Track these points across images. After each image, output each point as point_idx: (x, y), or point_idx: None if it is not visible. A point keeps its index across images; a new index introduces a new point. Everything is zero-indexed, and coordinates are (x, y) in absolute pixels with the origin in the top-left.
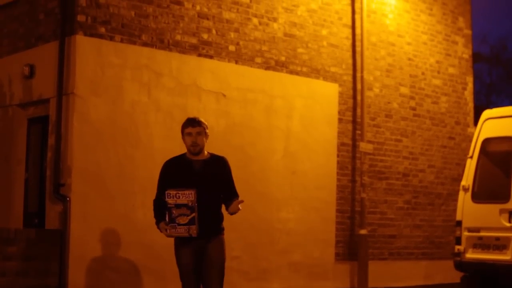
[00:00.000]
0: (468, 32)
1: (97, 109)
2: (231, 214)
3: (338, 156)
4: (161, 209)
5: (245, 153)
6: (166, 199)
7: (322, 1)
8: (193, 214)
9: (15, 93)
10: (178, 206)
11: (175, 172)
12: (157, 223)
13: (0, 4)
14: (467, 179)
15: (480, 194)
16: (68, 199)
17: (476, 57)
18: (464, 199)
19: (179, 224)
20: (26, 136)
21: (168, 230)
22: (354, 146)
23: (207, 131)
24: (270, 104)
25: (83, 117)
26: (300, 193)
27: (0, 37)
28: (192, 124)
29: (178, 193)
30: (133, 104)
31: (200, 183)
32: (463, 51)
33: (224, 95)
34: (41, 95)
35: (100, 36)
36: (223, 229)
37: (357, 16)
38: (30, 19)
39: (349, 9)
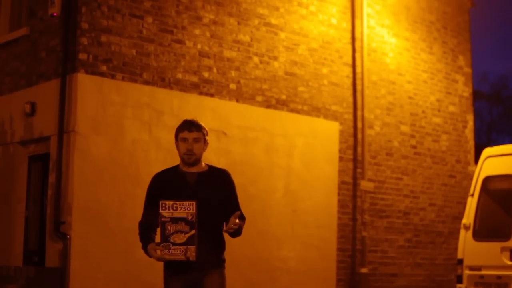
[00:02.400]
0: (468, 70)
1: (98, 147)
2: (230, 233)
3: (339, 194)
4: (148, 233)
5: (246, 191)
6: (160, 210)
7: (322, 40)
8: (193, 231)
9: (16, 131)
10: (174, 220)
11: (164, 187)
12: (144, 246)
13: (1, 42)
14: (468, 217)
15: (481, 232)
16: (68, 237)
17: (477, 95)
18: (465, 237)
19: (174, 244)
20: (26, 174)
21: (159, 251)
22: (355, 184)
23: (206, 138)
24: (271, 143)
25: (84, 155)
26: (301, 231)
27: (1, 74)
28: (189, 128)
29: (176, 204)
30: (134, 142)
31: (196, 199)
32: (464, 89)
33: (225, 133)
34: (42, 133)
35: (102, 74)
36: (224, 260)
37: (357, 55)
38: (31, 57)
39: (349, 47)
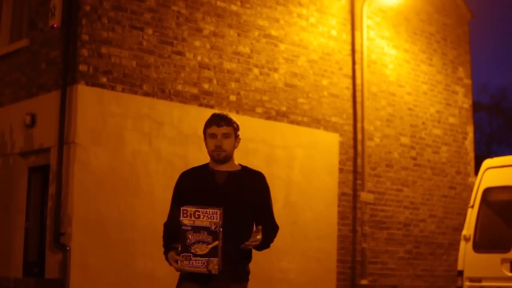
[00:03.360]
0: (468, 82)
1: (98, 158)
2: (245, 248)
3: (339, 206)
4: (173, 236)
5: None
6: (181, 218)
7: (322, 52)
8: (216, 243)
9: (16, 142)
10: (196, 229)
11: (192, 187)
12: (166, 252)
13: (2, 54)
14: (468, 228)
15: (482, 244)
16: (68, 248)
17: (477, 107)
18: (465, 249)
19: (195, 255)
20: (26, 185)
21: (179, 262)
22: (355, 196)
23: (238, 133)
24: (271, 154)
25: (84, 166)
26: (301, 243)
27: (2, 86)
28: (218, 123)
29: (198, 211)
30: (134, 153)
31: (224, 201)
32: (463, 100)
33: None
34: (42, 144)
35: (102, 86)
36: (248, 272)
37: (357, 67)
38: (32, 69)
39: (349, 59)
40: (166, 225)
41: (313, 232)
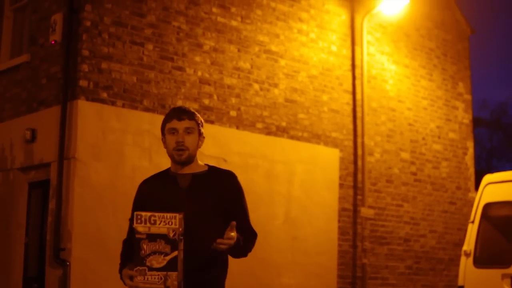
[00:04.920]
0: (468, 97)
1: (98, 173)
2: (216, 248)
3: (339, 221)
4: (128, 254)
5: None
6: (135, 224)
7: (322, 67)
8: (175, 253)
9: (16, 157)
10: (152, 237)
11: (152, 195)
12: (120, 270)
13: (3, 69)
14: (469, 244)
15: (482, 259)
16: (68, 263)
17: (477, 122)
18: (465, 264)
19: (150, 269)
20: (26, 200)
21: (133, 278)
22: (355, 211)
23: (202, 130)
24: (271, 169)
25: (84, 182)
26: (301, 259)
27: (2, 101)
28: (179, 116)
29: (154, 216)
30: (134, 169)
31: (189, 208)
32: (464, 116)
33: (225, 160)
34: (42, 159)
35: (102, 101)
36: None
37: (357, 82)
38: (32, 84)
39: (349, 75)
40: (124, 242)
41: (313, 247)
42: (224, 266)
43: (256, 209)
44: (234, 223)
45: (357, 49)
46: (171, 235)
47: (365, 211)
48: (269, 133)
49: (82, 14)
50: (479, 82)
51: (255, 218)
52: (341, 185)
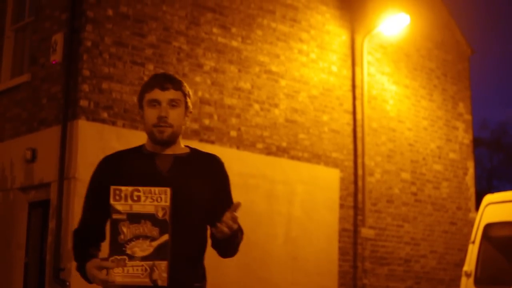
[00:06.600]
0: (468, 117)
1: None
2: (221, 240)
3: (339, 241)
4: (88, 246)
5: (246, 238)
6: (112, 201)
7: (323, 87)
8: (165, 237)
9: (16, 177)
10: (134, 218)
11: (121, 176)
12: (81, 263)
13: (3, 89)
14: (470, 264)
15: (483, 280)
16: (68, 283)
17: (477, 142)
18: (466, 285)
19: (132, 257)
20: (26, 220)
21: (108, 272)
22: (356, 231)
23: (189, 102)
24: (271, 190)
25: None
26: (301, 279)
27: (2, 121)
28: (162, 85)
29: (138, 191)
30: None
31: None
32: (464, 136)
33: None
34: (42, 179)
35: (102, 121)
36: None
37: (357, 102)
38: (33, 104)
39: (350, 95)
40: (76, 232)
41: (314, 268)
42: (202, 271)
43: (257, 229)
44: (239, 203)
45: (358, 69)
46: (160, 214)
47: (365, 232)
48: (269, 153)
49: (83, 34)
50: (479, 102)
51: (256, 238)
52: (341, 206)
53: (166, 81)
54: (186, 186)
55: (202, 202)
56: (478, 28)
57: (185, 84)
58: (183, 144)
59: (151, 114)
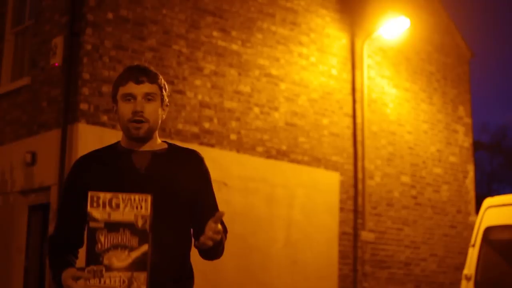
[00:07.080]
0: (468, 121)
1: None
2: (204, 250)
3: (339, 245)
4: (64, 253)
5: (246, 242)
6: (89, 208)
7: (323, 91)
8: (145, 247)
9: (16, 180)
10: (112, 227)
11: (97, 176)
12: (56, 272)
13: (3, 92)
14: (470, 268)
15: (483, 283)
16: None
17: (477, 146)
18: None
19: (109, 268)
20: (26, 224)
21: (84, 281)
22: (356, 235)
23: (165, 96)
24: (271, 193)
25: None
26: (301, 283)
27: (2, 124)
28: (136, 78)
29: (117, 198)
30: None
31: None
32: (464, 139)
33: (226, 184)
34: (42, 183)
35: (102, 125)
36: None
37: (357, 106)
38: (33, 107)
39: (350, 98)
40: (52, 238)
41: (314, 272)
42: (192, 276)
43: (256, 233)
44: (222, 212)
45: (358, 72)
46: (140, 224)
47: (365, 235)
48: (269, 156)
49: (83, 37)
50: (479, 106)
51: (256, 241)
52: (341, 209)
53: (141, 73)
54: (165, 184)
55: (183, 199)
56: (478, 32)
57: (160, 76)
58: (160, 140)
59: (125, 109)
